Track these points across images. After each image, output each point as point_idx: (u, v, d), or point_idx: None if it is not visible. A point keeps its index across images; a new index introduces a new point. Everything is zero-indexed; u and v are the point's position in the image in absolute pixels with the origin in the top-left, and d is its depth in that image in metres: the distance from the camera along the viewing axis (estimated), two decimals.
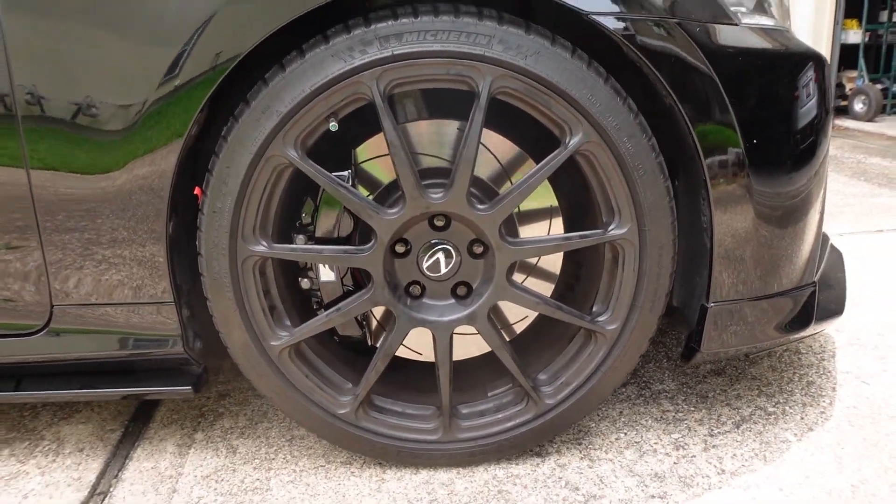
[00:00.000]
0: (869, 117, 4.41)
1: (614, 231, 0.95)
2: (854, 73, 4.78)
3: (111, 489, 1.08)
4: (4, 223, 0.92)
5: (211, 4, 0.84)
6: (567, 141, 0.92)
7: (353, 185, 0.97)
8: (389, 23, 0.86)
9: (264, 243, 0.94)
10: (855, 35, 4.71)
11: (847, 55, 4.72)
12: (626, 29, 0.88)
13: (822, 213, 1.08)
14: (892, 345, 1.42)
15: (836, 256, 1.38)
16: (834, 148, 3.66)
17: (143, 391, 1.05)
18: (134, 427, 1.25)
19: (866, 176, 2.97)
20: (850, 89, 4.74)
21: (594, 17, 0.87)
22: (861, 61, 4.70)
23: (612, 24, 0.88)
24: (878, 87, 4.65)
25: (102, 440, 1.21)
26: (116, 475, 1.11)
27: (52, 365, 1.04)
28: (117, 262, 0.94)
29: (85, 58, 0.86)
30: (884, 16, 4.92)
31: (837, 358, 1.38)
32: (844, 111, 4.63)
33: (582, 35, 0.90)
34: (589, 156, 0.93)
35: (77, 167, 0.89)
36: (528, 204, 1.05)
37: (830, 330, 1.49)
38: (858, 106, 4.51)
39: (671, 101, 0.91)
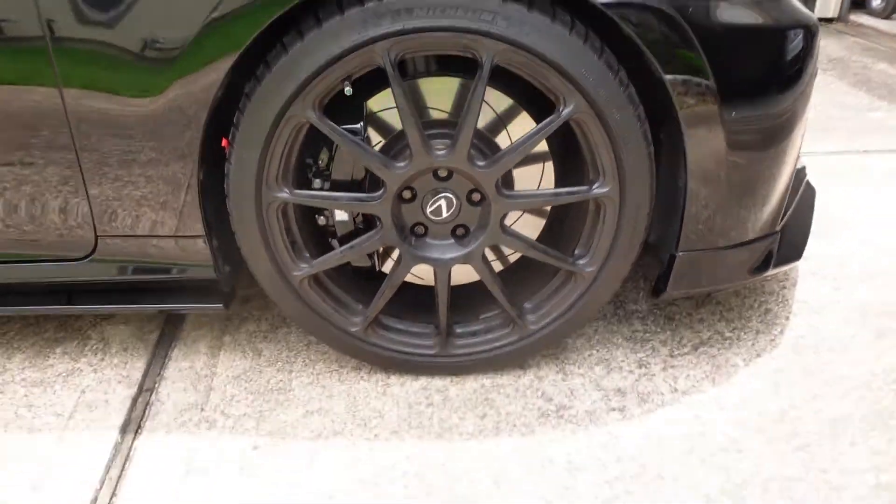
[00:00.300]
0: (886, 14, 4.30)
1: (598, 190, 1.08)
2: None
3: (156, 386, 1.28)
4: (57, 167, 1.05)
5: None
6: (561, 109, 1.02)
7: (365, 135, 1.09)
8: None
9: (286, 190, 1.07)
10: None
11: None
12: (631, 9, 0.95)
13: (792, 171, 1.20)
14: (849, 275, 1.58)
15: (809, 195, 1.51)
16: (842, 48, 3.63)
17: (180, 307, 1.22)
18: (169, 329, 1.43)
19: (868, 86, 3.00)
20: None
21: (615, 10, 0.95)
22: None
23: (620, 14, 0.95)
24: None
25: (143, 341, 1.40)
26: (159, 373, 1.31)
27: (99, 283, 1.20)
28: (156, 204, 1.08)
29: None
30: None
31: (798, 287, 1.55)
32: (861, 4, 4.50)
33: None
34: (580, 123, 1.03)
35: (116, 114, 1.00)
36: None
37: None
38: (876, 1, 4.38)
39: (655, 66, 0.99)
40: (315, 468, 1.10)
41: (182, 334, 1.42)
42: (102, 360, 1.35)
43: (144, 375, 1.30)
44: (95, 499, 1.05)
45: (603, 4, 0.95)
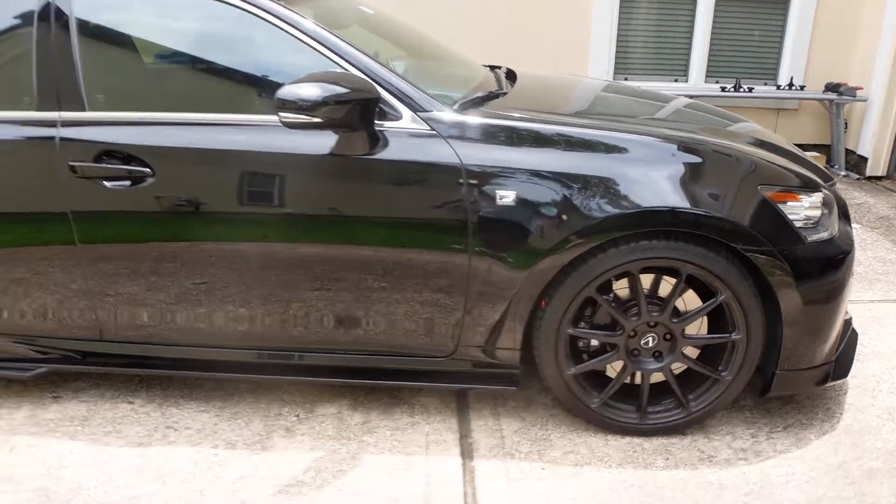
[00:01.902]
0: None
1: (735, 336, 2.16)
2: None
3: (469, 433, 2.35)
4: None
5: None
6: (719, 296, 2.12)
7: (614, 301, 2.20)
8: (651, 241, 2.06)
9: (570, 329, 2.18)
10: None
11: None
12: (762, 254, 2.06)
13: (842, 318, 2.25)
14: (882, 389, 2.60)
15: (853, 336, 2.55)
16: (889, 207, 4.72)
17: (496, 388, 2.30)
18: (461, 401, 2.52)
19: None
20: None
21: (752, 255, 2.06)
22: None
23: (754, 256, 2.07)
24: None
25: (447, 406, 2.48)
26: (468, 426, 2.38)
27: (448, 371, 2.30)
28: (498, 329, 2.19)
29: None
30: None
31: (848, 394, 2.57)
32: None
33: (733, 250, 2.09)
34: (727, 302, 2.13)
35: (501, 275, 2.14)
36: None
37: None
38: None
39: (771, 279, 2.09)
40: (578, 481, 2.14)
41: (470, 403, 2.50)
42: (428, 416, 2.43)
43: (459, 426, 2.38)
44: (464, 493, 2.11)
45: (743, 250, 2.06)
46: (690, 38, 5.45)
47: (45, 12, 2.21)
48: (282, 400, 2.56)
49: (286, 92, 1.90)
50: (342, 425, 2.41)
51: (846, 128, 5.50)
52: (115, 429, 2.43)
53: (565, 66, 5.24)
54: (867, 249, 3.96)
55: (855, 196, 4.96)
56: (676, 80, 5.52)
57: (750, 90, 5.39)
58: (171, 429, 2.42)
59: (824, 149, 5.69)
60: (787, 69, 5.48)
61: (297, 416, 2.47)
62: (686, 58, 5.50)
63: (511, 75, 2.93)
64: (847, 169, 5.56)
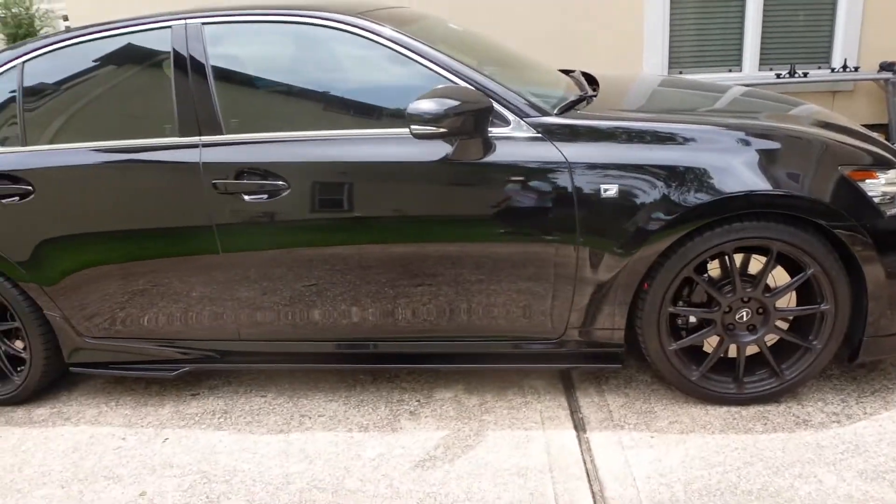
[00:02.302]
0: None
1: (824, 307, 2.38)
2: None
3: (579, 409, 2.60)
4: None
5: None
6: (808, 270, 2.34)
7: (709, 279, 2.43)
8: (742, 223, 2.30)
9: (671, 307, 2.42)
10: None
11: None
12: (846, 230, 2.28)
13: None
14: None
15: None
16: None
17: (604, 367, 2.55)
18: (565, 381, 2.77)
19: None
20: None
21: (837, 231, 2.28)
22: None
23: (839, 231, 2.28)
24: None
25: (554, 387, 2.74)
26: (576, 404, 2.63)
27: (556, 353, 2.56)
28: (605, 311, 2.44)
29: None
30: None
31: None
32: None
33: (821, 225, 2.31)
34: (815, 275, 2.35)
35: (605, 260, 2.39)
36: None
37: None
38: None
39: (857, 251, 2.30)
40: (685, 446, 2.38)
41: (575, 384, 2.75)
42: (538, 396, 2.69)
43: (568, 404, 2.64)
44: (584, 459, 2.36)
45: (828, 226, 2.28)
46: (742, 26, 5.62)
47: (181, 57, 2.54)
48: (401, 388, 2.85)
49: (412, 108, 2.18)
50: (461, 407, 2.68)
51: None
52: (255, 419, 2.74)
53: (619, 62, 5.46)
54: None
55: None
56: (731, 71, 5.69)
57: (805, 75, 5.54)
58: (305, 417, 2.72)
59: (882, 128, 5.80)
60: (840, 51, 5.61)
61: (418, 401, 2.75)
62: (739, 47, 5.67)
63: (589, 79, 3.18)
64: None
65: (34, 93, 2.74)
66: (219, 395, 2.95)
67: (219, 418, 2.78)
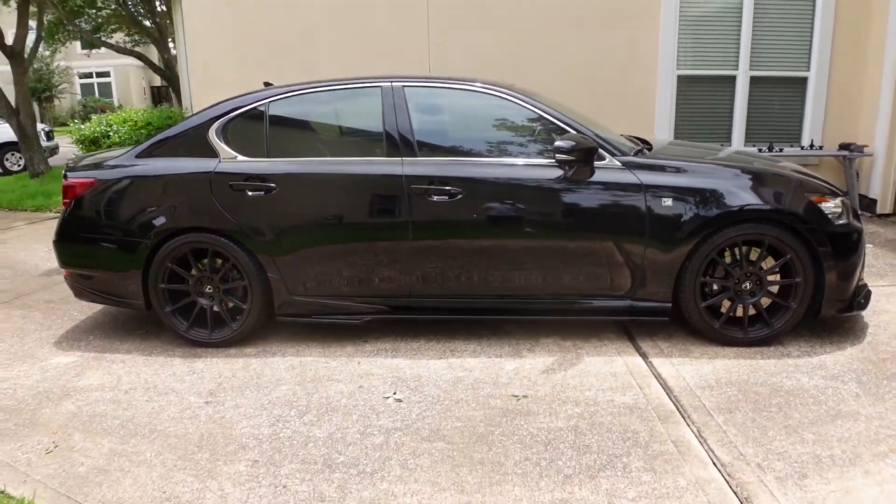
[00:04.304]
0: None
1: (797, 279, 4.02)
2: None
3: (640, 347, 4.18)
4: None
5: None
6: (787, 256, 4.00)
7: (726, 262, 4.08)
8: (747, 224, 3.97)
9: (703, 278, 4.05)
10: None
11: None
12: (810, 232, 3.97)
13: (861, 269, 4.12)
14: (890, 328, 4.43)
15: (868, 293, 4.38)
16: (894, 234, 6.66)
17: (653, 319, 4.15)
18: (628, 333, 4.36)
19: None
20: None
21: (805, 232, 3.96)
22: None
23: (806, 232, 3.97)
24: None
25: (616, 333, 4.32)
26: (635, 343, 4.21)
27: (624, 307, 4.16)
28: (661, 279, 4.06)
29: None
30: None
31: (867, 329, 4.40)
32: None
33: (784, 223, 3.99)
34: (792, 259, 4.01)
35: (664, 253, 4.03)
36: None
37: (865, 313, 4.51)
38: None
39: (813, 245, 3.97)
40: (713, 364, 3.96)
41: (633, 335, 4.34)
42: (612, 341, 4.27)
43: (632, 344, 4.21)
44: (649, 369, 3.92)
45: (801, 229, 3.97)
46: (731, 112, 7.52)
47: (389, 97, 4.20)
48: (515, 336, 4.41)
49: (557, 144, 3.86)
50: (560, 347, 4.24)
51: (858, 177, 7.49)
52: (419, 353, 4.25)
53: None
54: (879, 259, 5.87)
55: (869, 227, 6.88)
56: (722, 145, 7.56)
57: (780, 150, 7.42)
58: (454, 351, 4.24)
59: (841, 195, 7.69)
60: (808, 133, 7.52)
61: (530, 344, 4.30)
62: (729, 127, 7.56)
63: (639, 139, 4.92)
64: (861, 209, 7.52)
65: (276, 122, 4.34)
66: (385, 340, 4.45)
67: (391, 354, 4.27)
